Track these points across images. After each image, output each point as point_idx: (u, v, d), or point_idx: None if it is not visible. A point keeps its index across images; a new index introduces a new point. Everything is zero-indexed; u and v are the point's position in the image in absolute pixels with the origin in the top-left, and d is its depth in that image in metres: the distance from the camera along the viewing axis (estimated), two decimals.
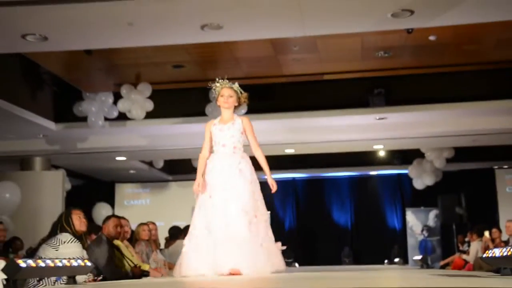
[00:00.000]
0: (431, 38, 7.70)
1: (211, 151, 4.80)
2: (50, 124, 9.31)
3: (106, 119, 9.19)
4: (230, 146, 4.73)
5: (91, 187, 14.26)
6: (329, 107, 9.29)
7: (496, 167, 13.03)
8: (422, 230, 13.88)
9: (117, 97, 8.98)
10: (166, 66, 8.66)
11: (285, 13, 5.82)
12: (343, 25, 6.30)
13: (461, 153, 12.02)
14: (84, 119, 9.14)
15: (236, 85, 4.90)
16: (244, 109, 8.78)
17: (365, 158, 13.35)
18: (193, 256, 4.43)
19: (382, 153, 13.39)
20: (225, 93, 4.81)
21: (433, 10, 5.78)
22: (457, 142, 11.12)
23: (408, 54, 8.39)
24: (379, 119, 9.45)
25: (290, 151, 11.74)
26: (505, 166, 13.04)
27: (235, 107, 4.88)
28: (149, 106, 8.87)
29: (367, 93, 9.10)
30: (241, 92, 4.88)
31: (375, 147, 12.03)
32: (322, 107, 9.31)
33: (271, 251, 4.52)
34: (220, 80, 4.88)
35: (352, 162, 13.67)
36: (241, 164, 4.64)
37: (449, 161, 12.15)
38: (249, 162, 4.72)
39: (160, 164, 12.68)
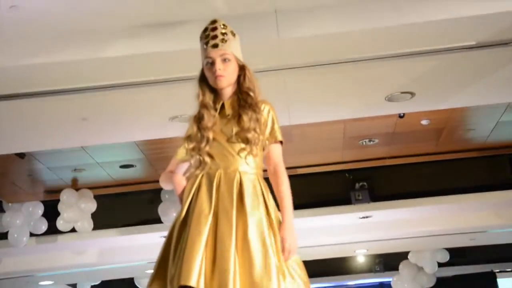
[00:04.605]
0: (424, 122, 8.01)
1: None
2: None
3: (31, 234, 8.97)
4: None
5: None
6: (302, 206, 9.28)
7: (497, 270, 13.26)
8: None
9: (47, 206, 8.87)
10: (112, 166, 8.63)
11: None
12: (331, 110, 6.49)
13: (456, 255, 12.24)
14: (3, 235, 8.88)
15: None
16: None
17: (341, 266, 13.34)
18: None
19: (361, 259, 13.44)
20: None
21: (437, 92, 6.07)
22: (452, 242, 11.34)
23: (396, 141, 8.64)
24: (363, 217, 9.57)
25: None
26: (508, 269, 13.31)
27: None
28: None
29: (348, 188, 9.25)
30: None
31: (358, 251, 12.09)
32: (295, 206, 9.32)
33: None
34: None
35: (325, 272, 13.60)
36: None
37: (441, 265, 12.31)
38: None
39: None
